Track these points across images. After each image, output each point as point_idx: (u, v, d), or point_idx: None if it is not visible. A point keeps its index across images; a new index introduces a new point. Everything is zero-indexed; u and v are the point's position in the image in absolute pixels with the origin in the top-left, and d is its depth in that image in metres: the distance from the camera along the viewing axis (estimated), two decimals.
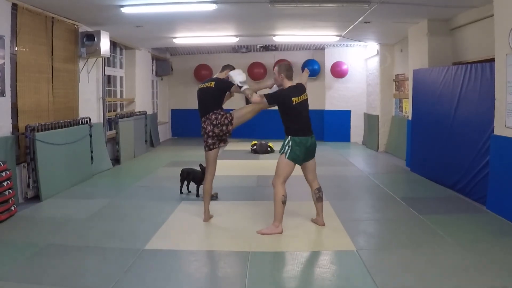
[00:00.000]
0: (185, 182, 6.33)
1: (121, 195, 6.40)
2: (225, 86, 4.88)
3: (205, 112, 4.84)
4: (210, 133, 4.79)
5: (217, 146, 4.89)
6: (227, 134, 4.86)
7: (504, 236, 4.45)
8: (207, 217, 5.01)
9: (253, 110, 4.89)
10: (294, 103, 4.52)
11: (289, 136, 4.60)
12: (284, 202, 4.53)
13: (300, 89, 4.64)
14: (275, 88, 4.87)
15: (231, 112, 4.85)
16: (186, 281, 3.50)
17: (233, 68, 5.02)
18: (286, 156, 4.55)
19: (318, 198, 4.84)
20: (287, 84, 4.63)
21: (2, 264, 3.69)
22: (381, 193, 6.50)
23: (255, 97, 4.64)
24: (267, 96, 4.62)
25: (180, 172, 6.37)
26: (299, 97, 4.57)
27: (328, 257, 3.95)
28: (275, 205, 4.55)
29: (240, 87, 4.71)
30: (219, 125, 4.75)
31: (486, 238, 4.38)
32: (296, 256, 3.93)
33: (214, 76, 5.13)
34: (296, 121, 4.59)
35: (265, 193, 6.58)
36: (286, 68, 4.66)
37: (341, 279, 3.50)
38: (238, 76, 4.76)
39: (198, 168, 6.11)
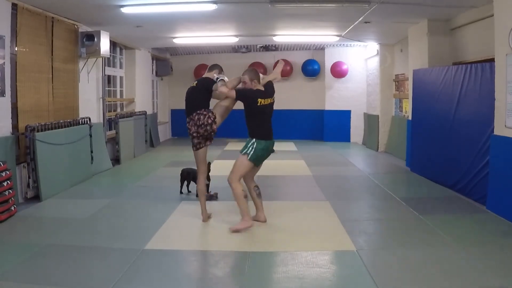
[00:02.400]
0: (185, 182, 6.33)
1: (121, 195, 6.40)
2: (207, 85, 4.88)
3: (189, 113, 4.86)
4: (195, 134, 4.80)
5: (203, 145, 4.89)
6: (212, 133, 4.83)
7: (504, 236, 4.45)
8: (205, 217, 5.01)
9: (229, 106, 4.90)
10: (258, 104, 4.63)
11: (254, 139, 4.70)
12: (246, 197, 4.68)
13: (268, 92, 4.76)
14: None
15: (212, 111, 4.84)
16: (186, 281, 3.50)
17: (220, 68, 5.09)
18: (249, 158, 4.66)
19: (258, 194, 4.98)
20: (257, 88, 4.74)
21: (2, 264, 3.69)
22: (381, 193, 6.50)
23: (222, 88, 4.70)
24: (238, 91, 4.70)
25: (180, 172, 6.37)
26: (265, 99, 4.68)
27: (328, 257, 3.95)
28: (238, 202, 4.66)
29: (217, 79, 4.87)
30: (202, 125, 4.73)
31: (486, 238, 4.38)
32: (296, 256, 3.93)
33: (203, 76, 5.15)
34: (261, 124, 4.72)
35: (265, 193, 6.58)
36: (256, 74, 4.77)
37: (341, 279, 3.50)
38: (216, 75, 4.94)
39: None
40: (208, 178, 6.02)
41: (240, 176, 4.71)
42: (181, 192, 6.35)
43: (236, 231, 4.56)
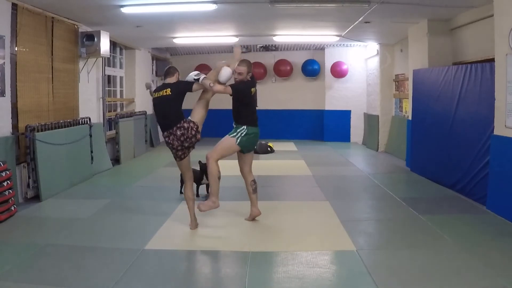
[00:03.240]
0: None
1: (121, 195, 6.40)
2: (184, 88, 4.55)
3: (168, 126, 4.51)
4: (179, 147, 4.53)
5: (187, 154, 4.68)
6: (196, 142, 4.61)
7: (504, 236, 4.45)
8: (194, 225, 4.75)
9: (206, 106, 4.71)
10: (251, 94, 4.75)
11: (244, 126, 4.73)
12: (219, 178, 4.66)
13: (254, 82, 4.88)
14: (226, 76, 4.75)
15: (192, 120, 4.55)
16: (186, 281, 3.50)
17: (176, 70, 4.75)
18: (237, 142, 4.68)
19: (254, 189, 4.98)
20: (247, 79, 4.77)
21: (2, 264, 3.69)
22: (381, 193, 6.50)
23: (218, 87, 4.54)
24: (233, 87, 4.64)
25: (180, 172, 6.36)
26: (254, 88, 4.81)
27: (328, 257, 3.95)
28: (211, 181, 4.66)
29: (198, 79, 4.50)
30: (187, 139, 4.48)
31: (486, 238, 4.38)
32: (296, 256, 3.93)
33: (165, 82, 4.66)
34: (252, 111, 4.79)
35: (265, 193, 6.58)
36: (252, 67, 4.79)
37: (341, 279, 3.50)
38: (190, 74, 4.61)
39: (198, 168, 6.10)
40: (208, 178, 6.02)
41: (221, 156, 4.69)
42: (181, 192, 6.34)
43: (201, 210, 4.59)
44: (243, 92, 4.70)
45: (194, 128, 4.50)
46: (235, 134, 4.72)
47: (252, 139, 4.78)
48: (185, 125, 4.47)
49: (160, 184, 7.22)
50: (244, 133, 4.70)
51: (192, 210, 4.75)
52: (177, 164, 4.77)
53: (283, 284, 3.39)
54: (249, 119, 4.77)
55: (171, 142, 4.51)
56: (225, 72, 4.68)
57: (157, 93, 4.61)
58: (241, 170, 5.02)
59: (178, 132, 4.46)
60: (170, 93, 4.51)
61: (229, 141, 4.71)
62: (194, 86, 4.53)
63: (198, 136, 4.56)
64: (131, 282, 3.40)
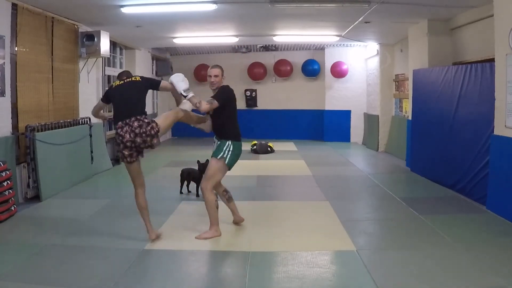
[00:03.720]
0: (185, 182, 6.33)
1: (121, 195, 6.40)
2: (152, 83, 4.26)
3: (126, 115, 3.96)
4: (129, 143, 3.94)
5: (135, 158, 4.06)
6: (149, 148, 4.07)
7: (504, 236, 4.45)
8: (153, 234, 4.30)
9: (176, 118, 4.28)
10: (235, 103, 4.52)
11: (229, 141, 4.41)
12: (217, 207, 4.47)
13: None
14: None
15: (155, 121, 4.05)
16: (186, 281, 3.50)
17: (130, 73, 4.41)
18: (226, 162, 4.38)
19: (229, 198, 4.79)
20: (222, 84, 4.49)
21: (2, 264, 3.69)
22: (381, 193, 6.50)
23: (204, 105, 4.16)
24: (217, 98, 4.27)
25: (180, 172, 6.37)
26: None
27: (328, 257, 3.95)
28: (210, 211, 4.44)
29: (185, 96, 4.13)
30: (144, 135, 3.92)
31: (486, 238, 4.38)
32: (296, 256, 3.93)
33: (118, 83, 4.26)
34: (235, 123, 4.52)
35: (265, 193, 6.59)
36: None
37: (341, 279, 3.50)
38: (181, 83, 4.17)
39: (197, 168, 6.11)
40: None
41: (215, 183, 4.44)
42: (181, 192, 6.35)
43: (205, 239, 4.41)
44: (230, 100, 4.39)
45: (155, 129, 3.96)
46: (221, 154, 4.37)
47: (238, 156, 4.50)
48: (146, 120, 3.96)
49: (160, 184, 7.21)
50: (231, 150, 4.39)
51: (146, 219, 4.25)
52: (126, 168, 4.18)
53: (283, 284, 3.39)
54: (232, 133, 4.45)
55: (123, 134, 3.93)
56: (177, 80, 4.20)
57: (120, 80, 4.23)
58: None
59: (135, 124, 3.91)
60: (140, 79, 4.20)
61: (218, 164, 4.38)
62: (162, 85, 4.24)
63: (155, 140, 3.99)
64: (131, 282, 3.40)
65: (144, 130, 3.92)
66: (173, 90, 4.26)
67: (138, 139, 3.93)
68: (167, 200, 6.02)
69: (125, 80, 4.20)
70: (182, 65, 13.92)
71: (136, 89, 4.12)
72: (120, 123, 3.98)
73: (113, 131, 9.29)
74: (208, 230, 4.50)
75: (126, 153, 4.01)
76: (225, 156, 4.39)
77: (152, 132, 3.95)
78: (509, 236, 4.44)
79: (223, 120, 4.44)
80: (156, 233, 4.37)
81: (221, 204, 4.68)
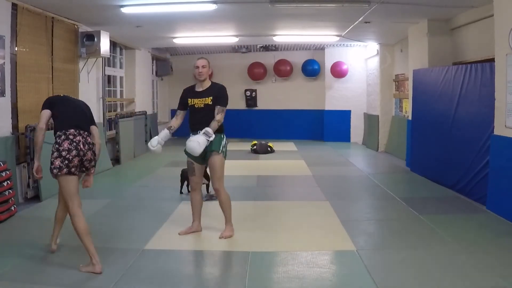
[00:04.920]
0: (185, 182, 6.33)
1: (121, 195, 6.40)
2: (93, 120, 4.03)
3: (80, 127, 3.70)
4: (81, 153, 3.59)
5: (77, 173, 3.64)
6: (94, 164, 3.82)
7: (504, 236, 4.45)
8: (54, 242, 3.95)
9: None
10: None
11: (223, 135, 4.44)
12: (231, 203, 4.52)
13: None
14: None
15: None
16: (186, 281, 3.50)
17: None
18: (225, 156, 4.45)
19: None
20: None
21: (2, 264, 3.69)
22: (381, 193, 6.50)
23: (221, 117, 4.35)
24: (223, 103, 4.39)
25: (181, 172, 6.37)
26: None
27: (328, 257, 3.95)
28: (228, 210, 4.46)
29: (210, 136, 4.21)
30: (94, 152, 3.77)
31: (486, 238, 4.38)
32: (296, 256, 3.93)
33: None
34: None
35: (265, 193, 6.59)
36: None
37: (341, 279, 3.50)
38: (203, 139, 4.21)
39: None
40: (208, 178, 6.02)
41: (223, 178, 4.46)
42: (181, 192, 6.35)
43: (227, 237, 4.41)
44: (227, 99, 4.48)
45: (94, 158, 3.80)
46: (220, 148, 4.35)
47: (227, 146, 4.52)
48: (90, 141, 3.78)
49: (160, 184, 7.22)
50: (225, 143, 4.45)
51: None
52: (62, 183, 3.62)
53: (283, 284, 3.39)
54: (223, 127, 4.48)
55: (78, 142, 3.60)
56: (208, 134, 4.22)
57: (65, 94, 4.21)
58: (199, 179, 4.64)
59: (89, 139, 3.74)
60: (84, 102, 4.11)
61: (221, 160, 4.39)
62: (94, 129, 3.92)
63: (91, 165, 3.76)
64: (131, 282, 3.40)
65: (95, 151, 3.78)
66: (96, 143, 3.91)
67: (89, 154, 3.69)
68: (167, 200, 6.03)
69: (71, 97, 4.11)
70: (182, 65, 13.94)
71: (85, 108, 3.99)
72: (73, 130, 3.64)
73: (113, 131, 9.30)
74: (227, 227, 4.50)
75: (75, 162, 3.56)
76: (223, 150, 4.44)
77: (93, 156, 3.77)
78: (509, 236, 4.44)
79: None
80: (55, 245, 4.01)
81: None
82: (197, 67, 4.47)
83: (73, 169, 3.56)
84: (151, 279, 3.47)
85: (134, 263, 3.77)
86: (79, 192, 3.71)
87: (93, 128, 3.92)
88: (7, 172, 5.22)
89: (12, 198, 5.20)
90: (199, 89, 4.49)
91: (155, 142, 4.51)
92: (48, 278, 3.46)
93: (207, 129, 4.20)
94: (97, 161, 3.91)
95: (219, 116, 4.32)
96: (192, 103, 4.46)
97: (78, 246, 4.17)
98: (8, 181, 5.20)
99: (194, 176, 4.58)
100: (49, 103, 3.91)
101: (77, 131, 3.67)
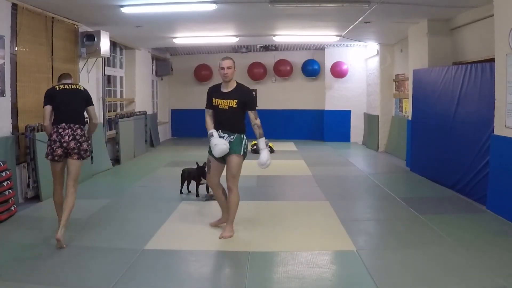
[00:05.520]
0: (186, 182, 6.33)
1: (121, 195, 6.40)
2: (89, 101, 4.57)
3: (70, 120, 4.32)
4: (65, 144, 4.25)
5: (62, 160, 4.32)
6: (82, 153, 4.37)
7: (504, 236, 4.45)
8: (59, 235, 4.06)
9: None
10: None
11: (243, 135, 4.45)
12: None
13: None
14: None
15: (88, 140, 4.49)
16: (186, 281, 3.50)
17: (70, 76, 4.73)
18: (244, 156, 4.46)
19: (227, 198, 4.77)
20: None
21: (2, 264, 3.69)
22: (381, 193, 6.50)
23: (259, 122, 4.49)
24: (253, 107, 4.48)
25: (181, 172, 6.37)
26: None
27: (328, 257, 3.95)
28: (234, 210, 4.46)
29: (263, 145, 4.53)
30: (78, 144, 4.32)
31: (486, 238, 4.38)
32: (296, 256, 3.93)
33: (64, 82, 4.60)
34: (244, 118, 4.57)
35: (265, 193, 6.59)
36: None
37: (341, 279, 3.50)
38: (267, 154, 4.54)
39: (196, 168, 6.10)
40: (205, 178, 6.02)
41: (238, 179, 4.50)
42: (181, 192, 6.35)
43: (226, 237, 4.40)
44: (255, 100, 4.58)
45: (87, 149, 4.43)
46: (241, 149, 4.40)
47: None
48: (83, 133, 4.40)
49: (160, 184, 7.22)
50: (246, 143, 4.47)
51: (61, 216, 4.22)
52: (51, 165, 4.41)
53: (283, 284, 3.39)
54: (244, 127, 4.51)
55: (64, 134, 4.25)
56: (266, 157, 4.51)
57: (65, 85, 4.49)
58: (217, 180, 4.62)
59: (78, 132, 4.33)
60: (83, 90, 4.57)
61: (240, 161, 4.42)
62: (93, 109, 4.60)
63: (84, 153, 4.38)
64: (131, 282, 3.40)
65: (80, 141, 4.34)
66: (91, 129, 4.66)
67: (72, 144, 4.29)
68: (167, 200, 6.03)
69: (70, 86, 4.49)
70: (182, 65, 13.95)
71: (78, 100, 4.47)
72: (63, 124, 4.31)
73: (113, 131, 9.31)
74: (227, 228, 4.49)
75: (59, 151, 4.28)
76: (245, 151, 4.46)
77: (82, 149, 4.36)
78: (509, 236, 4.44)
79: (240, 116, 4.46)
80: (60, 238, 4.05)
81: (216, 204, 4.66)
82: (222, 68, 4.42)
83: (56, 157, 4.30)
84: (151, 279, 3.47)
85: (134, 263, 3.77)
86: (61, 176, 4.46)
87: (88, 109, 4.54)
88: (7, 172, 5.22)
89: (12, 198, 5.20)
90: (224, 89, 4.47)
91: (223, 145, 4.38)
92: (48, 278, 3.46)
93: (262, 142, 4.47)
94: (90, 138, 4.60)
95: (258, 121, 4.45)
96: (217, 104, 4.45)
97: (78, 246, 4.18)
98: (8, 181, 5.20)
99: (209, 174, 4.60)
100: (48, 97, 4.42)
101: (68, 124, 4.32)
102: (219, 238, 4.41)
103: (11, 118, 5.78)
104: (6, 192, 5.10)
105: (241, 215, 5.14)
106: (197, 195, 6.13)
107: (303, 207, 5.67)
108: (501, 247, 4.08)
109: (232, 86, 4.46)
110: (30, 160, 5.97)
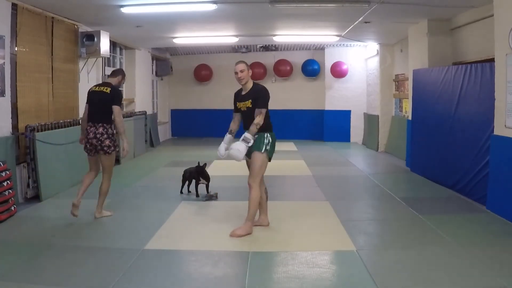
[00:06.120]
0: (187, 183, 6.32)
1: (121, 195, 6.40)
2: (118, 99, 5.01)
3: (95, 119, 4.93)
4: (90, 141, 4.92)
5: (93, 154, 5.01)
6: (101, 149, 4.92)
7: (504, 236, 4.45)
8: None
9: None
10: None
11: (267, 133, 4.49)
12: (258, 204, 4.56)
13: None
14: None
15: (113, 136, 5.01)
16: (186, 281, 3.50)
17: (124, 73, 5.29)
18: (269, 154, 4.51)
19: (267, 198, 4.85)
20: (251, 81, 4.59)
21: (2, 264, 3.69)
22: (381, 193, 6.50)
23: (260, 120, 4.39)
24: (262, 105, 4.45)
25: (183, 172, 6.36)
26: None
27: (328, 257, 3.95)
28: (252, 207, 4.47)
29: (249, 140, 4.39)
30: (100, 141, 4.88)
31: (486, 238, 4.38)
32: (296, 256, 3.93)
33: (107, 81, 5.18)
34: (268, 117, 4.58)
35: None
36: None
37: (341, 279, 3.50)
38: (244, 146, 4.42)
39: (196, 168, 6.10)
40: (208, 178, 6.03)
41: (261, 177, 4.55)
42: (181, 192, 6.35)
43: (238, 236, 4.42)
44: (269, 100, 4.55)
45: (109, 147, 4.96)
46: (264, 147, 4.42)
47: (275, 146, 4.55)
48: (109, 132, 4.96)
49: (160, 184, 7.22)
50: (270, 141, 4.47)
51: (83, 190, 5.03)
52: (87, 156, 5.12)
53: (283, 284, 3.39)
54: (269, 125, 4.56)
55: (89, 132, 4.91)
56: (248, 139, 4.42)
57: (97, 87, 5.07)
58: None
59: (100, 130, 4.90)
60: (109, 92, 4.93)
61: (262, 158, 4.44)
62: (116, 109, 4.92)
63: (108, 148, 4.94)
64: (131, 282, 3.40)
65: (101, 139, 4.88)
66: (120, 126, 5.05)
67: (94, 141, 4.89)
68: (167, 200, 6.03)
69: (101, 90, 4.97)
70: (182, 65, 13.95)
71: (103, 100, 4.91)
72: (90, 122, 4.97)
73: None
74: (243, 226, 4.50)
75: (88, 146, 4.97)
76: (267, 148, 4.47)
77: (105, 146, 4.91)
78: (509, 236, 4.44)
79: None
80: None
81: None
82: (236, 72, 4.53)
83: (87, 151, 5.04)
84: (151, 279, 3.47)
85: (134, 263, 3.77)
86: (97, 167, 5.17)
87: (113, 108, 4.92)
88: (7, 172, 5.22)
89: (12, 198, 5.20)
90: (243, 92, 4.62)
91: (223, 151, 4.67)
92: (48, 278, 3.46)
93: (246, 135, 4.38)
94: (122, 133, 5.03)
95: (257, 119, 4.40)
96: (239, 107, 4.62)
97: (78, 246, 4.18)
98: (8, 181, 5.20)
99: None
100: (87, 97, 5.09)
101: (93, 123, 4.93)
102: (230, 236, 4.42)
103: (11, 118, 5.77)
104: (6, 192, 5.10)
105: (241, 215, 5.14)
106: (197, 195, 6.13)
107: (303, 207, 5.67)
108: (501, 247, 4.09)
109: (248, 87, 4.59)
110: (30, 160, 5.96)
